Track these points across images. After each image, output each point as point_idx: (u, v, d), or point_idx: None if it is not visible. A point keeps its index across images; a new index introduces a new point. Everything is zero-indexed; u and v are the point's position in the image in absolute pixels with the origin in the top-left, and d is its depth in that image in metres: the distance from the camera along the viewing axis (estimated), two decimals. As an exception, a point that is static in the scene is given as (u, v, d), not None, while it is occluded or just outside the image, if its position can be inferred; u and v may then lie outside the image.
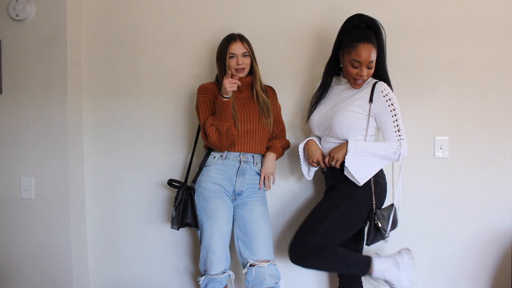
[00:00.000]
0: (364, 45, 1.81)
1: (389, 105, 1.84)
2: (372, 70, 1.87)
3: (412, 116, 2.17)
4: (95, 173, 2.40)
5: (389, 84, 1.92)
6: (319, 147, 1.98)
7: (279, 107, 2.16)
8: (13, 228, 2.31)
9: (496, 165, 2.19)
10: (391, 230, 1.91)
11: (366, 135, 1.89)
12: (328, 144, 1.95)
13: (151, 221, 2.37)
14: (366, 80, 1.89)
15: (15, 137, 2.29)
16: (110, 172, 2.39)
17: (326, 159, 1.90)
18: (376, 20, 1.86)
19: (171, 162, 2.34)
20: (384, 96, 1.84)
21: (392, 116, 1.84)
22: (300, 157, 2.03)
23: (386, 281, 1.86)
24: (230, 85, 1.85)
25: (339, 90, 1.98)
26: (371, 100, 1.86)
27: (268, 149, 2.09)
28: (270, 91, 2.13)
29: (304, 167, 2.05)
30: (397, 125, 1.85)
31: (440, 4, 2.19)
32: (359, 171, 1.83)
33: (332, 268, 1.92)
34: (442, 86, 2.20)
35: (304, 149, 2.02)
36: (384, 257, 1.89)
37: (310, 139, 2.01)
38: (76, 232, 2.31)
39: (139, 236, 2.38)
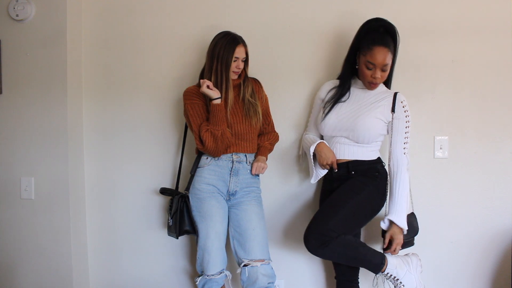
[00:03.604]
0: (380, 48, 1.83)
1: (405, 116, 1.91)
2: (386, 74, 1.89)
3: (412, 116, 2.16)
4: (95, 173, 2.40)
5: (388, 86, 2.02)
6: (331, 149, 1.96)
7: (266, 98, 2.13)
8: (13, 228, 2.31)
9: (496, 165, 2.20)
10: (413, 236, 1.99)
11: (382, 141, 2.00)
12: (341, 145, 1.96)
13: (150, 221, 2.36)
14: (380, 82, 1.92)
15: (15, 137, 2.29)
16: (110, 172, 2.39)
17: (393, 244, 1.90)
18: (394, 26, 1.89)
19: (170, 161, 2.34)
20: (403, 107, 1.92)
21: (406, 127, 1.91)
22: (311, 160, 1.99)
23: (395, 279, 1.84)
24: (209, 90, 1.87)
25: (360, 93, 1.98)
26: (393, 110, 1.91)
27: (258, 149, 2.08)
28: (256, 85, 2.09)
29: (314, 170, 2.01)
30: (406, 137, 1.91)
31: (440, 4, 2.19)
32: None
33: (349, 258, 1.83)
34: (442, 86, 2.20)
35: (313, 152, 1.98)
36: (393, 255, 1.89)
37: (321, 142, 1.97)
38: (76, 232, 2.31)
39: (138, 237, 2.38)
